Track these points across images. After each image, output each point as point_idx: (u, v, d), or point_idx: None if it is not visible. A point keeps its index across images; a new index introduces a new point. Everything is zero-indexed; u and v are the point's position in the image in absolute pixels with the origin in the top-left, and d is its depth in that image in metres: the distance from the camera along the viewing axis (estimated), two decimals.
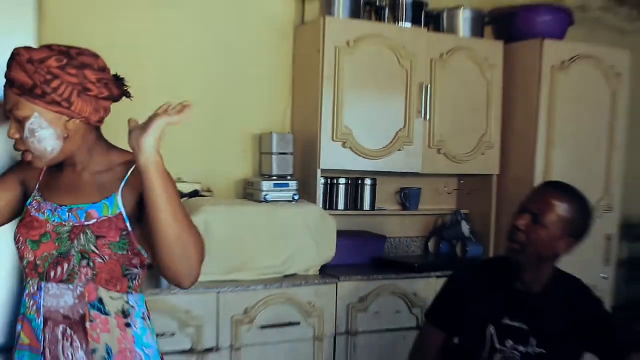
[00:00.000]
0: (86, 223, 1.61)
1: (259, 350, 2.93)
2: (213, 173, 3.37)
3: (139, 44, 3.20)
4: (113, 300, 1.64)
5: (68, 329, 1.62)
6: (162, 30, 3.24)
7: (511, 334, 2.07)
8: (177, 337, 2.75)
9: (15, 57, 1.54)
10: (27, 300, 1.65)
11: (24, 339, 1.65)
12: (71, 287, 1.61)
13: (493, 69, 3.64)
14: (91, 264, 1.60)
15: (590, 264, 3.51)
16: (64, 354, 1.62)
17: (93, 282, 1.61)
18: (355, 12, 3.40)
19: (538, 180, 3.54)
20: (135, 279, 1.68)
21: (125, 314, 1.66)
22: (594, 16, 4.32)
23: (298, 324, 3.00)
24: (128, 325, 1.66)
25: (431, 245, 3.86)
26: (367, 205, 3.60)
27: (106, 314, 1.63)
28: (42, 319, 1.62)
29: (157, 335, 2.63)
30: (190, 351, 2.78)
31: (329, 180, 3.49)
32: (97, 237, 1.60)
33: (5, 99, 1.58)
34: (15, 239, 1.66)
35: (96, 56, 1.66)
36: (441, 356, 2.27)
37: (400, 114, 3.41)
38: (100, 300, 1.63)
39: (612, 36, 4.37)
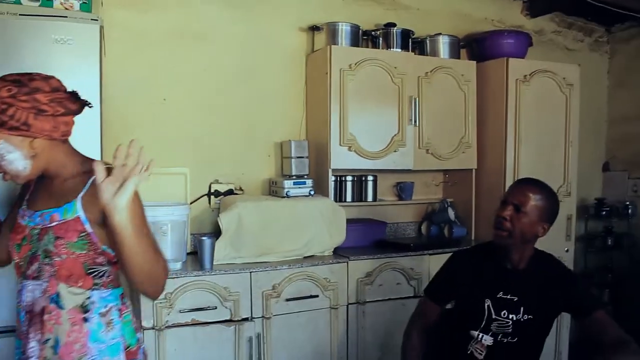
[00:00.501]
0: (49, 225, 1.52)
1: (285, 319, 2.87)
2: (244, 174, 3.36)
3: (180, 70, 3.19)
4: (73, 295, 1.52)
5: (36, 322, 1.52)
6: (200, 59, 3.24)
7: (505, 305, 2.06)
8: (218, 310, 2.72)
9: None
10: (17, 297, 1.58)
11: (19, 328, 1.59)
12: (39, 283, 1.52)
13: (468, 83, 3.59)
14: (51, 261, 1.51)
15: (555, 240, 3.45)
16: (29, 340, 1.52)
17: (54, 278, 1.51)
18: (355, 41, 3.37)
19: (509, 172, 3.50)
20: (103, 275, 1.56)
21: (84, 309, 1.53)
22: (548, 38, 4.30)
23: (317, 296, 2.94)
24: (85, 320, 1.53)
25: (423, 228, 3.81)
26: (369, 197, 3.54)
27: (60, 307, 1.51)
28: (24, 313, 1.54)
29: (202, 309, 2.64)
30: (230, 320, 2.73)
31: (338, 177, 3.44)
32: (56, 238, 1.50)
33: None
34: (9, 243, 1.59)
35: (47, 78, 1.51)
36: (439, 325, 2.24)
37: (394, 122, 3.36)
38: (58, 295, 1.51)
39: (564, 54, 4.35)
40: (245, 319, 2.77)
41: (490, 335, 2.07)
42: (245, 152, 3.36)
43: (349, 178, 3.49)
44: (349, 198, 3.49)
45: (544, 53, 4.10)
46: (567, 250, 3.68)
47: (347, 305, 3.03)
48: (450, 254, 2.33)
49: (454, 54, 3.66)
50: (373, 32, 3.50)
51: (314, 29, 3.41)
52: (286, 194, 3.09)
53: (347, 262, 3.03)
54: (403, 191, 3.71)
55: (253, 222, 2.89)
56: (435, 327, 2.24)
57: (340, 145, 3.21)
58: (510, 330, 2.05)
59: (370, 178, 3.54)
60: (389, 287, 3.13)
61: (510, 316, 2.05)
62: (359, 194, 3.53)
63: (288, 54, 3.46)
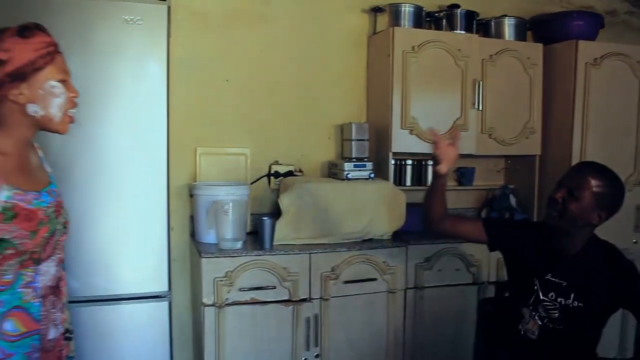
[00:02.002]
0: (59, 198, 1.50)
1: (343, 301, 2.88)
2: (304, 156, 3.37)
3: (242, 51, 3.23)
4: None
5: (52, 296, 1.47)
6: (261, 40, 3.26)
7: (553, 288, 1.99)
8: (277, 290, 2.75)
9: None
10: (21, 291, 1.38)
11: (21, 329, 1.38)
12: (53, 258, 1.46)
13: (534, 66, 3.48)
14: (65, 230, 1.50)
15: (623, 230, 3.33)
16: (52, 320, 1.47)
17: (63, 246, 1.51)
18: (418, 23, 3.31)
19: (575, 159, 3.38)
20: None
21: None
22: (621, 19, 4.10)
23: (375, 279, 2.94)
24: None
25: (483, 214, 3.72)
26: (429, 181, 3.47)
27: (64, 270, 1.54)
28: (40, 300, 1.42)
29: (262, 288, 2.68)
30: (288, 300, 2.76)
31: (398, 161, 3.41)
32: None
33: None
34: (14, 238, 1.33)
35: None
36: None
37: (457, 105, 3.30)
38: (62, 260, 1.53)
39: (638, 35, 4.13)
40: (304, 300, 2.79)
41: (539, 318, 2.01)
42: (305, 134, 3.37)
43: (409, 162, 3.45)
44: (408, 182, 3.46)
45: (616, 35, 3.92)
46: (635, 242, 3.54)
47: (405, 290, 3.01)
48: None
49: (520, 36, 3.55)
50: (436, 14, 3.43)
51: (376, 10, 3.37)
52: (346, 176, 3.08)
53: (407, 247, 3.00)
54: (464, 176, 3.65)
55: (313, 204, 2.90)
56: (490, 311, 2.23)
57: (401, 128, 3.18)
58: (557, 315, 1.98)
59: (430, 162, 3.48)
60: (447, 273, 3.09)
61: (559, 299, 1.97)
62: (419, 178, 3.50)
63: (349, 35, 3.44)
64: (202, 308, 2.64)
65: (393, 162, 3.27)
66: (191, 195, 3.00)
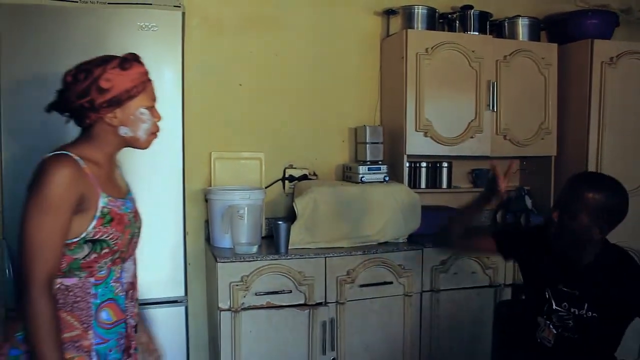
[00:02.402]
0: (135, 205, 1.68)
1: (359, 304, 2.88)
2: (318, 160, 3.38)
3: (256, 55, 3.24)
4: None
5: (132, 290, 1.65)
6: (274, 44, 3.27)
7: (566, 298, 1.96)
8: (293, 293, 2.75)
9: None
10: (114, 286, 1.56)
11: (113, 318, 1.56)
12: (132, 257, 1.65)
13: (549, 66, 3.45)
14: (140, 233, 1.68)
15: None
16: (131, 310, 1.64)
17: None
18: (431, 25, 3.30)
19: (591, 159, 3.35)
20: None
21: None
22: (637, 17, 4.05)
23: (391, 283, 2.93)
24: None
25: (499, 216, 3.69)
26: (444, 184, 3.50)
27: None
28: (124, 293, 1.60)
29: (277, 293, 2.68)
30: (304, 305, 2.77)
31: (413, 163, 3.41)
32: None
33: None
34: (111, 238, 1.51)
35: None
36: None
37: (472, 107, 3.28)
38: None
39: None
40: (320, 304, 2.79)
41: (553, 327, 1.99)
42: (319, 138, 3.37)
43: (424, 164, 3.44)
44: (423, 185, 3.45)
45: (631, 33, 3.88)
46: None
47: (421, 293, 3.01)
48: None
49: (534, 36, 3.52)
50: (449, 15, 3.42)
51: (389, 12, 3.36)
52: (361, 179, 3.08)
53: (422, 250, 3.00)
54: (479, 178, 3.62)
55: (328, 208, 2.90)
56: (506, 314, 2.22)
57: (416, 131, 3.17)
58: (571, 325, 1.95)
59: (445, 164, 3.48)
60: (464, 275, 3.08)
61: (572, 310, 1.94)
62: (433, 181, 3.49)
63: (362, 38, 3.43)
64: (218, 313, 2.64)
65: (407, 164, 3.26)
66: (206, 200, 3.00)
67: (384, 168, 3.14)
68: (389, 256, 2.92)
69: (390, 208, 3.01)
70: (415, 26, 3.25)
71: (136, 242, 1.66)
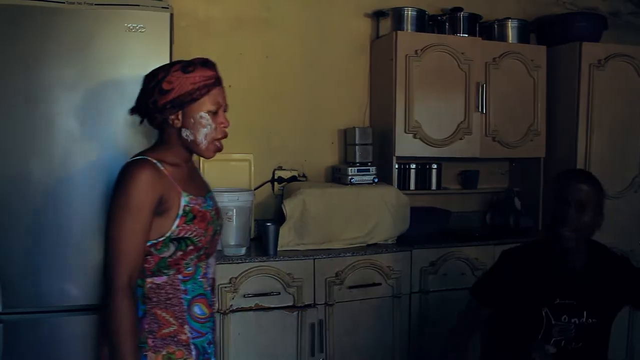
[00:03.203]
0: (217, 204, 1.76)
1: (347, 306, 2.88)
2: (307, 162, 3.37)
3: (245, 57, 3.23)
4: None
5: (214, 286, 1.73)
6: (264, 45, 3.27)
7: (565, 310, 1.92)
8: (282, 295, 2.74)
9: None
10: (202, 281, 1.64)
11: (206, 312, 1.65)
12: (215, 254, 1.73)
13: (538, 68, 3.47)
14: (221, 231, 1.75)
15: (629, 233, 3.30)
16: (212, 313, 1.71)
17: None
18: (421, 27, 3.31)
19: (580, 161, 3.37)
20: None
21: None
22: (625, 20, 4.08)
23: (380, 284, 2.93)
24: None
25: (488, 218, 3.72)
26: (434, 185, 3.51)
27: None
28: (210, 288, 1.68)
29: (266, 294, 2.68)
30: (293, 306, 2.76)
31: (402, 165, 3.41)
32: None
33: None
34: (195, 236, 1.58)
35: None
36: (494, 334, 2.14)
37: (461, 108, 3.29)
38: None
39: None
40: (309, 305, 2.78)
41: (553, 344, 1.94)
42: (308, 139, 3.36)
43: (413, 166, 3.45)
44: (412, 186, 3.45)
45: (620, 36, 3.88)
46: None
47: (410, 294, 3.00)
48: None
49: (523, 38, 3.54)
50: (439, 17, 3.43)
51: (379, 14, 3.37)
52: (350, 181, 3.08)
53: (411, 251, 3.00)
54: (468, 179, 3.64)
55: (317, 209, 2.89)
56: (490, 337, 2.14)
57: (405, 132, 3.17)
58: (573, 334, 1.92)
59: (434, 166, 3.49)
60: (453, 277, 3.08)
61: (573, 320, 1.92)
62: (423, 182, 3.49)
63: (352, 40, 3.44)
64: None
65: (397, 166, 3.26)
66: None
67: (373, 170, 3.14)
68: (378, 257, 2.92)
69: (379, 210, 3.01)
70: (405, 28, 3.26)
71: (217, 239, 1.73)
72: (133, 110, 1.64)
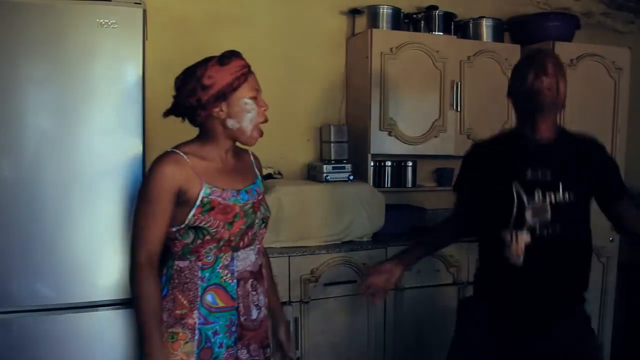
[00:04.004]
0: (259, 198, 1.79)
1: (323, 303, 2.90)
2: (283, 159, 3.37)
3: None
4: None
5: (253, 280, 1.74)
6: (240, 43, 3.18)
7: (538, 184, 1.77)
8: None
9: None
10: (220, 272, 1.68)
11: (219, 303, 1.68)
12: (252, 247, 1.74)
13: (512, 67, 3.48)
14: (265, 225, 1.80)
15: (599, 228, 3.28)
16: (252, 300, 1.74)
17: (263, 238, 1.81)
18: (396, 25, 3.33)
19: None
20: None
21: None
22: (597, 20, 4.16)
23: (355, 281, 2.94)
24: None
25: None
26: (409, 182, 3.53)
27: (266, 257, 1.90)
28: (236, 281, 1.70)
29: None
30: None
31: (378, 162, 3.43)
32: (267, 206, 1.84)
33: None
34: (210, 226, 1.64)
35: None
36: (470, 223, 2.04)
37: (436, 106, 3.32)
38: (263, 250, 1.85)
39: (613, 36, 4.20)
40: (284, 303, 2.77)
41: (527, 230, 1.76)
42: (284, 137, 3.36)
43: (388, 163, 3.47)
44: (388, 183, 3.48)
45: (592, 36, 3.97)
46: (611, 240, 3.59)
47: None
48: None
49: (498, 37, 3.58)
50: (414, 15, 3.45)
51: (354, 12, 3.38)
52: (325, 178, 3.09)
53: (386, 248, 3.02)
54: (443, 177, 3.67)
55: (292, 207, 2.90)
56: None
57: (380, 130, 3.19)
58: (549, 217, 1.75)
59: (409, 163, 3.51)
60: (427, 274, 3.11)
61: (548, 197, 1.75)
62: (398, 180, 3.52)
63: (328, 37, 3.45)
64: None
65: (372, 163, 3.28)
66: None
67: (348, 167, 3.15)
68: (353, 255, 2.94)
69: (354, 207, 3.03)
70: (380, 26, 3.28)
71: (259, 234, 1.77)
72: (168, 113, 1.75)
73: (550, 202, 1.76)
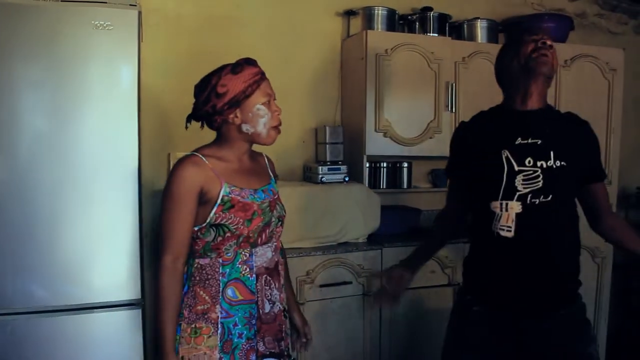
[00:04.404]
0: (275, 197, 1.87)
1: (319, 304, 2.90)
2: (278, 160, 3.31)
3: (216, 56, 3.14)
4: None
5: (267, 276, 1.80)
6: (235, 44, 3.25)
7: (528, 151, 1.73)
8: None
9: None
10: (240, 267, 1.75)
11: (239, 296, 1.75)
12: (269, 245, 1.81)
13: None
14: (282, 223, 1.88)
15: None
16: (265, 295, 1.79)
17: (279, 236, 1.89)
18: (391, 26, 3.34)
19: None
20: None
21: None
22: (590, 21, 4.18)
23: (350, 282, 2.96)
24: None
25: None
26: (404, 184, 3.53)
27: (282, 256, 1.94)
28: (255, 276, 1.76)
29: None
30: None
31: (373, 164, 3.42)
32: (283, 205, 1.91)
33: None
34: (230, 223, 1.71)
35: None
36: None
37: (431, 108, 3.33)
38: (282, 247, 1.94)
39: (607, 37, 4.22)
40: None
41: (517, 200, 1.72)
42: (279, 138, 3.29)
43: (384, 164, 3.47)
44: (383, 185, 3.47)
45: (585, 37, 4.00)
46: (606, 241, 3.59)
47: None
48: None
49: (492, 38, 3.59)
50: (409, 17, 3.46)
51: (349, 13, 3.39)
52: (321, 179, 3.10)
53: (381, 249, 3.03)
54: (438, 178, 3.67)
55: (288, 208, 2.87)
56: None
57: (375, 131, 3.20)
58: (540, 185, 1.70)
59: (405, 165, 3.51)
60: (423, 275, 3.10)
61: (539, 163, 1.71)
62: (393, 181, 3.52)
63: (323, 38, 3.45)
64: None
65: (367, 164, 3.29)
66: None
67: (344, 168, 3.16)
68: (348, 256, 2.95)
69: (350, 208, 3.04)
70: (375, 27, 3.28)
71: (276, 232, 1.84)
72: (191, 118, 1.81)
73: (542, 167, 1.72)
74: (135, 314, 2.38)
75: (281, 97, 3.29)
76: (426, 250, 2.22)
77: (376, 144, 3.22)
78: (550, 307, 1.79)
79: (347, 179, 3.15)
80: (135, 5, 2.28)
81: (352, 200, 3.05)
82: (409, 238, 3.22)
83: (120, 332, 2.32)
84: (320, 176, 3.10)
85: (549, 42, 1.81)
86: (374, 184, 3.43)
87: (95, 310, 2.27)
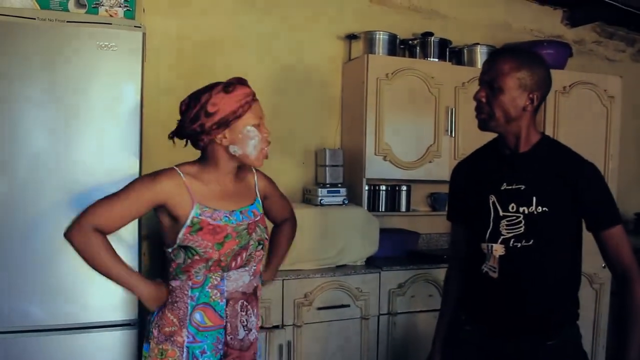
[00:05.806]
0: (255, 219, 1.78)
1: (316, 327, 2.89)
2: (278, 182, 3.32)
3: (218, 77, 3.12)
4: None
5: (244, 302, 1.75)
6: (236, 66, 3.26)
7: (512, 197, 1.75)
8: None
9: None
10: (209, 291, 1.70)
11: (207, 322, 1.70)
12: (246, 269, 1.75)
13: None
14: (262, 247, 1.80)
15: (591, 255, 3.30)
16: (240, 321, 1.74)
17: (260, 260, 1.81)
18: (392, 50, 3.39)
19: None
20: None
21: None
22: (589, 48, 4.24)
23: (348, 305, 2.96)
24: None
25: None
26: (403, 207, 3.55)
27: (261, 282, 1.89)
28: (225, 301, 1.71)
29: None
30: (261, 327, 2.70)
31: (372, 187, 3.44)
32: (264, 228, 1.82)
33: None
34: (198, 246, 1.66)
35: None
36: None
37: (430, 132, 3.36)
38: (261, 273, 1.86)
39: (605, 64, 4.29)
40: (276, 327, 2.78)
41: (501, 243, 1.76)
42: (279, 159, 3.35)
43: (383, 187, 3.49)
44: (382, 208, 3.49)
45: (584, 64, 4.06)
46: (604, 267, 3.55)
47: (379, 316, 3.03)
48: None
49: None
50: (410, 42, 3.50)
51: (351, 37, 3.43)
52: (320, 202, 3.10)
53: (380, 272, 3.03)
54: (437, 202, 3.69)
55: None
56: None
57: (375, 154, 3.22)
58: (522, 230, 1.73)
59: (404, 188, 3.53)
60: (420, 298, 3.11)
61: (521, 209, 1.73)
62: (392, 204, 3.53)
63: (325, 62, 3.50)
64: None
65: (367, 187, 3.30)
66: None
67: (343, 191, 3.17)
68: (346, 279, 2.95)
69: (348, 231, 3.04)
70: (377, 51, 3.32)
71: (255, 255, 1.78)
72: (174, 135, 1.76)
73: (524, 212, 1.73)
74: (132, 334, 2.36)
75: (281, 119, 3.36)
76: (446, 315, 2.14)
77: (376, 168, 3.24)
78: (537, 341, 1.79)
79: (346, 201, 3.16)
80: (140, 27, 2.30)
81: (351, 223, 3.05)
82: (407, 261, 3.23)
83: (116, 352, 2.30)
84: (319, 198, 3.11)
85: (481, 96, 1.80)
86: (373, 206, 3.44)
87: (91, 329, 2.26)
